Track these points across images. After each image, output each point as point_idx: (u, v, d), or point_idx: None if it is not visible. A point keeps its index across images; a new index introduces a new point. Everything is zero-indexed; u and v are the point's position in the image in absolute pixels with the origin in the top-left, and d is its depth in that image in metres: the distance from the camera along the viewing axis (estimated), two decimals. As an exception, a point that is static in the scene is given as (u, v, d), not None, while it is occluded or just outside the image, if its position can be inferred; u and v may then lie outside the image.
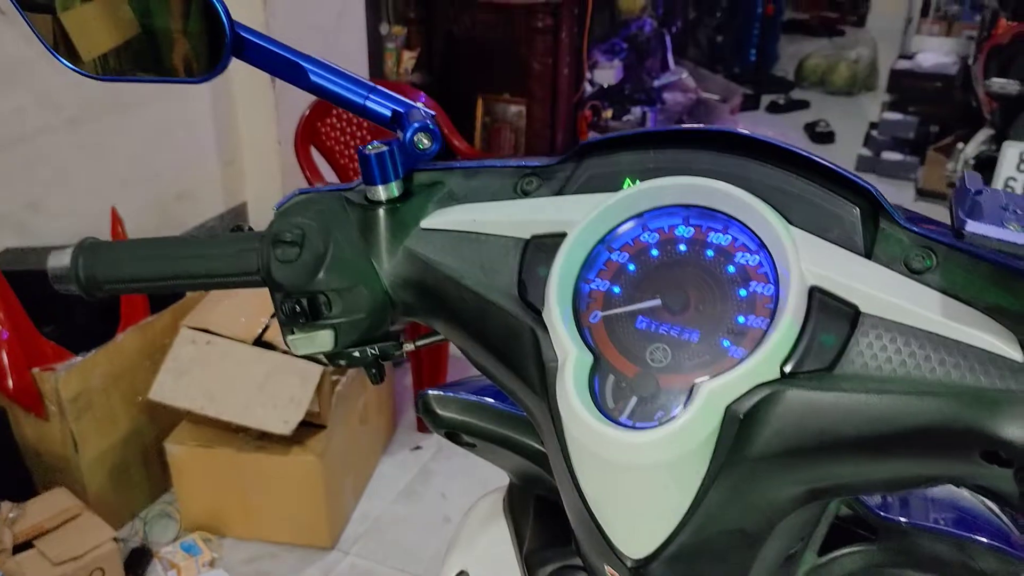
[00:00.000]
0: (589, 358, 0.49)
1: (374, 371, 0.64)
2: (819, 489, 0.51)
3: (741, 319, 0.48)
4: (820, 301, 0.47)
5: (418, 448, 2.59)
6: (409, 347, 0.65)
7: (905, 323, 0.45)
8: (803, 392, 0.45)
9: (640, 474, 0.48)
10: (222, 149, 2.93)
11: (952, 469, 0.47)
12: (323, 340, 0.59)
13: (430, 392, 0.74)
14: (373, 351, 0.63)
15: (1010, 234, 0.40)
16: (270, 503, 2.17)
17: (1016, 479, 0.44)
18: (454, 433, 0.75)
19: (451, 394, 0.74)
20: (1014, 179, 2.19)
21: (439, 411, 0.73)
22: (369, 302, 0.58)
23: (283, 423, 2.07)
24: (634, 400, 0.48)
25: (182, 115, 2.79)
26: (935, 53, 4.82)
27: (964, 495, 0.67)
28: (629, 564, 0.55)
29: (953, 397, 0.44)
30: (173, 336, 2.17)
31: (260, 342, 2.16)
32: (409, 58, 3.38)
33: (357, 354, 0.63)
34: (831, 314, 0.46)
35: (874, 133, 4.77)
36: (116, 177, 2.58)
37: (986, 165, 2.59)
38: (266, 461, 2.12)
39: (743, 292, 0.49)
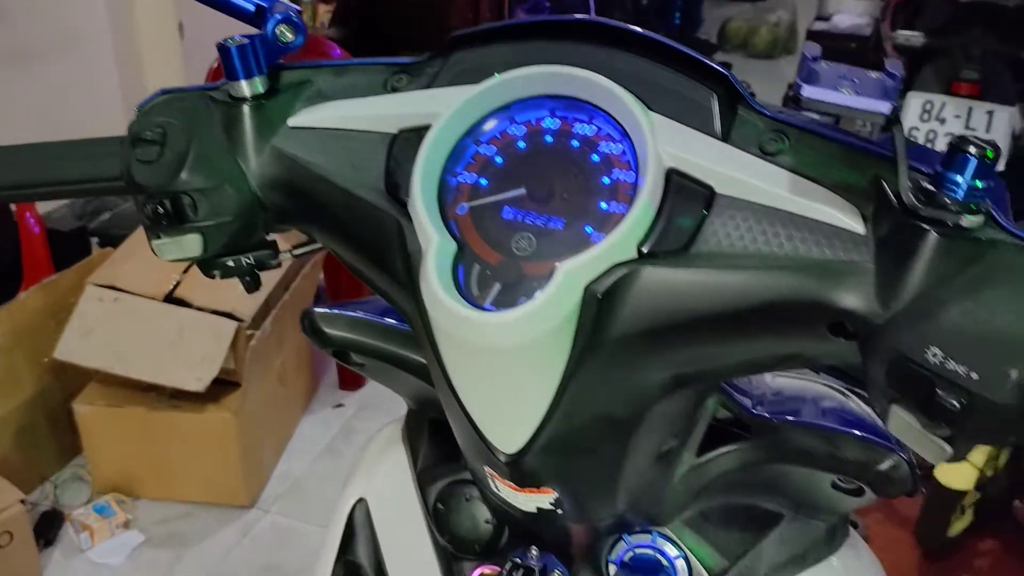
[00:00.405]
0: (452, 245, 0.49)
1: (248, 279, 0.62)
2: (683, 375, 0.52)
3: (604, 206, 0.48)
4: (677, 183, 0.47)
5: (340, 406, 2.57)
6: (286, 256, 0.64)
7: (757, 202, 0.46)
8: (659, 271, 0.46)
9: (503, 358, 0.48)
10: (128, 102, 2.83)
11: (804, 346, 0.48)
12: (191, 245, 0.58)
13: (316, 310, 0.73)
14: (248, 260, 0.62)
15: (843, 97, 0.41)
16: (185, 462, 2.13)
17: (861, 351, 0.45)
18: (343, 352, 0.75)
19: (338, 311, 0.73)
20: (917, 128, 2.25)
21: (325, 329, 0.73)
22: (236, 204, 0.57)
23: (196, 380, 2.03)
24: (497, 287, 0.48)
25: (85, 67, 2.69)
26: (850, 14, 4.91)
27: (835, 395, 0.69)
28: (503, 459, 0.55)
29: (801, 271, 0.45)
30: (79, 295, 2.10)
31: (171, 299, 2.11)
32: (325, 12, 3.31)
33: (231, 263, 0.61)
34: (687, 196, 0.47)
35: (792, 94, 4.86)
36: (16, 132, 2.46)
37: (897, 120, 2.66)
38: (179, 420, 2.07)
39: (606, 180, 0.49)
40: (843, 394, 0.68)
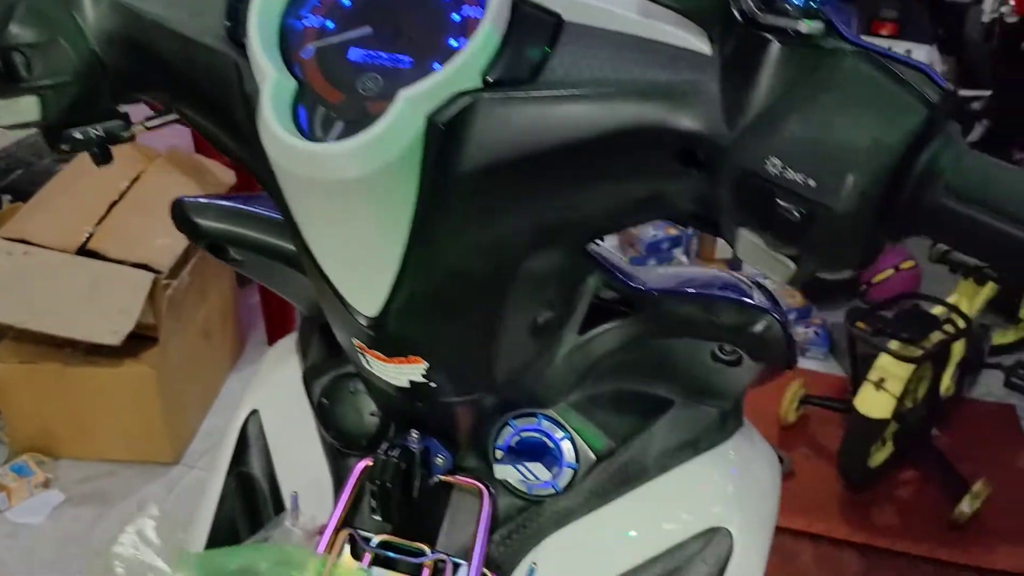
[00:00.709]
0: (290, 82, 0.47)
1: (96, 151, 0.59)
2: (541, 225, 0.51)
3: (453, 43, 0.47)
4: (523, 12, 0.46)
5: (269, 362, 2.52)
6: (139, 129, 0.60)
7: (605, 28, 0.45)
8: (505, 100, 0.45)
9: (348, 197, 0.46)
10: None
11: (659, 183, 0.47)
12: (27, 109, 0.54)
13: (186, 199, 0.70)
14: (96, 132, 0.59)
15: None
16: (105, 419, 2.07)
17: (711, 180, 0.44)
18: (219, 247, 0.72)
19: (209, 201, 0.70)
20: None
21: (196, 219, 0.70)
22: (74, 62, 0.54)
23: (112, 334, 1.97)
24: (340, 126, 0.46)
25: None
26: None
27: (722, 275, 0.69)
28: (364, 322, 0.54)
29: (647, 95, 0.44)
30: (-13, 249, 2.02)
31: (84, 251, 2.04)
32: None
33: (78, 135, 0.58)
34: (534, 24, 0.46)
35: None
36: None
37: None
38: (97, 375, 2.02)
39: (456, 17, 0.47)
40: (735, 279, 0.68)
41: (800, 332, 2.73)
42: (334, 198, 0.47)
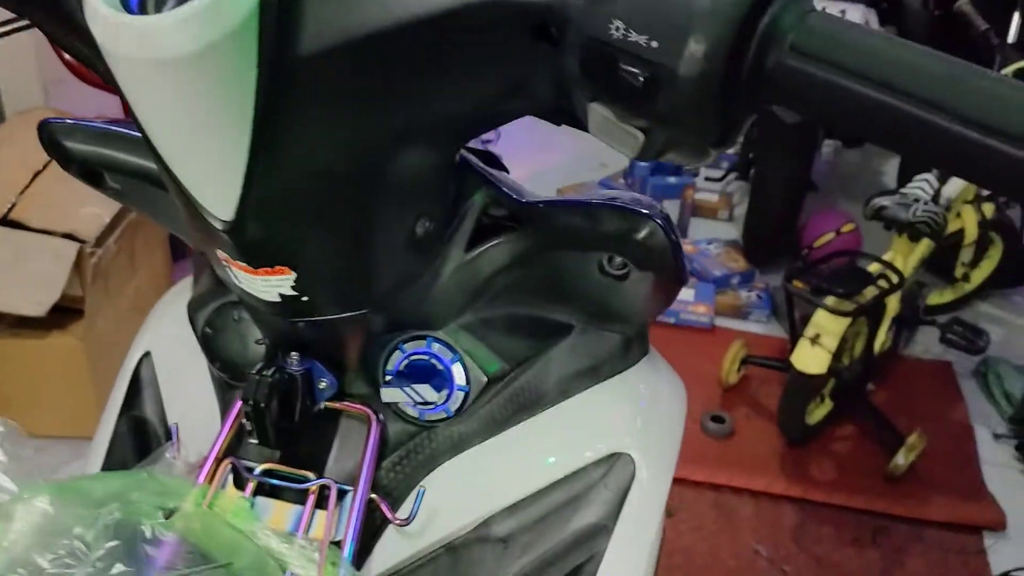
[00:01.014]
0: None
1: None
2: (399, 120, 0.49)
3: None
4: None
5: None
6: (-15, 34, 0.57)
7: None
8: None
9: (184, 81, 0.43)
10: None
11: (512, 65, 0.46)
12: None
13: (52, 120, 0.66)
14: None
15: None
16: (32, 394, 2.01)
17: (561, 53, 0.42)
18: (94, 173, 0.69)
19: (78, 122, 0.67)
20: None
21: (65, 141, 0.66)
22: None
23: (36, 305, 1.91)
24: (173, 2, 0.43)
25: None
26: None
27: (615, 191, 0.67)
28: (220, 227, 0.51)
29: None
30: (-99, 220, 1.94)
31: (6, 222, 1.97)
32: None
33: None
34: None
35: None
36: None
37: None
38: (23, 348, 1.96)
39: None
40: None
41: (743, 296, 2.75)
42: (169, 82, 0.44)
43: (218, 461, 0.64)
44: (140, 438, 0.76)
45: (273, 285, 0.55)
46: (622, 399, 0.70)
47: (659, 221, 0.58)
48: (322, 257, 0.54)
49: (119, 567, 0.48)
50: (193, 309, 0.71)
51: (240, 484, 0.64)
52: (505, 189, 0.63)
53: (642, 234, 0.59)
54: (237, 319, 0.67)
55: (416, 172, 0.54)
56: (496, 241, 0.63)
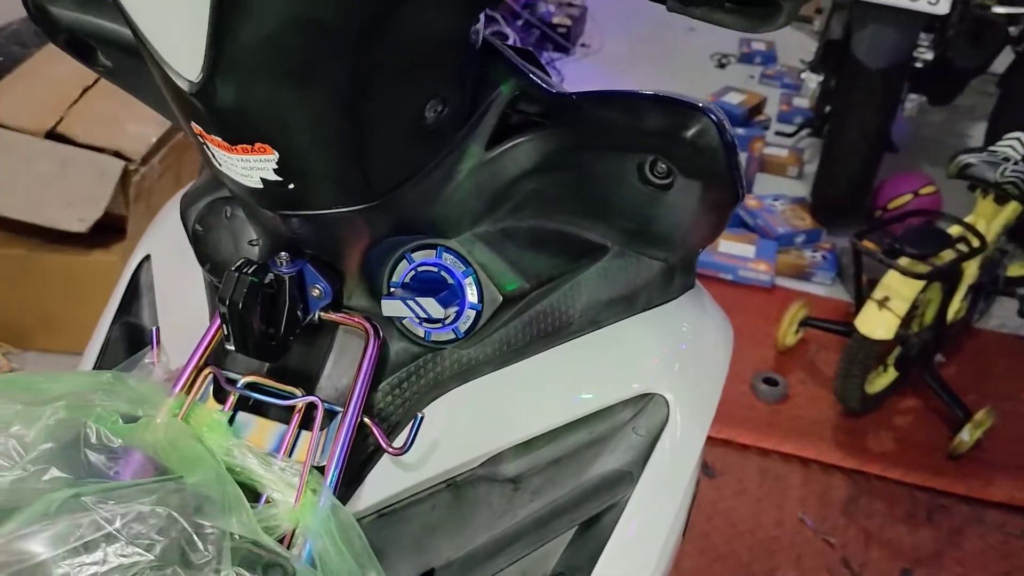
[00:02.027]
0: None
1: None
2: None
3: None
4: None
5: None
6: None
7: None
8: None
9: None
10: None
11: None
12: None
13: (34, -16, 0.59)
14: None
15: None
16: (72, 311, 2.00)
17: None
18: (84, 46, 0.62)
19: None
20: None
21: (50, 7, 0.59)
22: None
23: (78, 221, 1.88)
24: None
25: None
26: None
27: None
28: (188, 89, 0.44)
29: None
30: (-47, 128, 1.93)
31: (54, 135, 1.94)
32: None
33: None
34: None
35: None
36: None
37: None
38: (64, 264, 1.94)
39: None
40: None
41: (807, 256, 2.61)
42: None
43: (198, 370, 0.57)
44: (133, 345, 0.71)
45: (253, 167, 0.47)
46: (659, 334, 0.61)
47: (712, 117, 0.49)
48: (307, 135, 0.46)
49: (53, 472, 0.42)
50: (186, 204, 0.64)
51: (221, 398, 0.57)
52: (536, 79, 0.54)
53: (692, 131, 0.49)
54: (229, 216, 0.60)
55: (427, 40, 0.46)
56: (522, 138, 0.54)
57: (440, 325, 0.57)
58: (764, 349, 2.25)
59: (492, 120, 0.54)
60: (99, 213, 1.89)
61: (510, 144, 0.54)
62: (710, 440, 2.05)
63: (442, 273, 0.56)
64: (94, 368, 0.68)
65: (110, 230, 1.94)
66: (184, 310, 0.66)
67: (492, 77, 0.54)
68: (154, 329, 0.61)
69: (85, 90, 2.04)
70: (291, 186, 0.48)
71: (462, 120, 0.52)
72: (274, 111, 0.44)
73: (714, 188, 0.53)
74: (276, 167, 0.47)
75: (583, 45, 4.04)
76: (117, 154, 1.94)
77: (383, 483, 0.58)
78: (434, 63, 0.48)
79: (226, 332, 0.52)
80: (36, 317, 2.02)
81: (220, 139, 0.46)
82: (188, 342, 0.59)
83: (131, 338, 0.71)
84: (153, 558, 0.40)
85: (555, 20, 3.88)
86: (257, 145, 0.46)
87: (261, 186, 0.48)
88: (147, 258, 0.74)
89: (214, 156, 0.49)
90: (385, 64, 0.45)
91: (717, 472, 1.91)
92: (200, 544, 0.41)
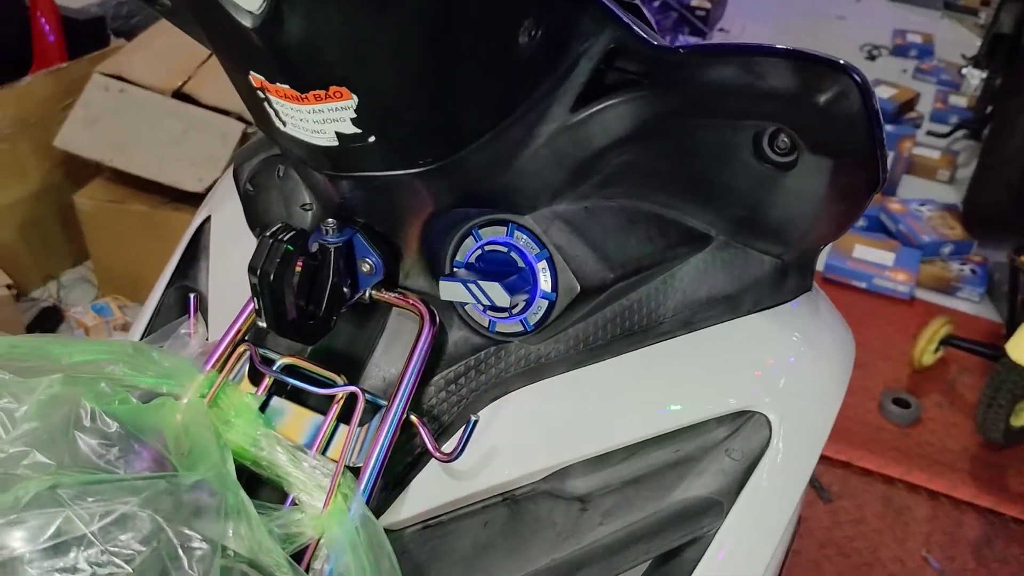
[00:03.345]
0: None
1: None
2: None
3: None
4: None
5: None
6: None
7: None
8: None
9: None
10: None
11: None
12: None
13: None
14: None
15: None
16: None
17: None
18: None
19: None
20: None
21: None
22: None
23: (198, 180, 1.90)
24: None
25: None
26: None
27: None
28: (251, 24, 0.37)
29: None
30: (88, 85, 1.98)
31: (180, 95, 1.97)
32: None
33: None
34: None
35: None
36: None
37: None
38: (182, 222, 1.94)
39: None
40: None
41: (954, 268, 2.39)
42: None
43: (233, 346, 0.51)
44: (186, 311, 0.66)
45: (328, 118, 0.40)
46: (765, 343, 0.51)
47: (856, 78, 0.38)
48: (393, 67, 0.38)
49: (34, 457, 0.36)
50: (240, 161, 0.58)
51: (256, 379, 0.51)
52: (636, 30, 0.44)
53: (827, 95, 0.39)
54: (282, 176, 0.54)
55: None
56: (615, 99, 0.45)
57: (507, 315, 0.48)
58: (897, 366, 2.06)
59: (581, 77, 0.45)
60: (218, 174, 1.90)
61: (600, 106, 0.45)
62: (828, 461, 1.88)
63: (512, 254, 0.48)
64: (144, 332, 0.63)
65: (227, 191, 1.96)
66: (235, 278, 0.60)
67: (583, 27, 0.45)
68: (191, 296, 0.56)
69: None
70: (371, 138, 0.41)
71: (555, 55, 0.43)
72: (353, 40, 0.37)
73: (849, 169, 0.42)
74: (355, 115, 0.40)
75: (721, 30, 3.85)
76: (239, 117, 1.94)
77: (431, 491, 0.50)
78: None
79: (257, 307, 0.45)
80: (153, 272, 2.04)
81: (288, 87, 0.39)
82: (235, 314, 0.53)
83: (184, 303, 0.66)
84: (130, 571, 0.34)
85: (694, 2, 3.71)
86: (332, 89, 0.39)
87: (336, 143, 0.41)
88: (208, 219, 0.69)
89: (277, 114, 0.42)
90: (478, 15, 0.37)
91: (834, 496, 1.75)
92: (185, 560, 0.34)
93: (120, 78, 1.97)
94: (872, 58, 3.84)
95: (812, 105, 0.39)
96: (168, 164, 1.93)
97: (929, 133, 3.10)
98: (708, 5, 3.73)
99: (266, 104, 0.42)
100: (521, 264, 0.47)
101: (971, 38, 3.87)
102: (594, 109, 0.45)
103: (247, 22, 0.37)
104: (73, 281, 2.15)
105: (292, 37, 0.37)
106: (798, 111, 0.40)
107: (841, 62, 0.38)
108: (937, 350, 2.04)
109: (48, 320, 2.00)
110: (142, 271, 2.07)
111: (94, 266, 2.11)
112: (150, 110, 1.95)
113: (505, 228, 0.48)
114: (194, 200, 1.94)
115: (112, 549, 0.34)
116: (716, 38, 3.77)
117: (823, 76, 0.38)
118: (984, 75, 2.67)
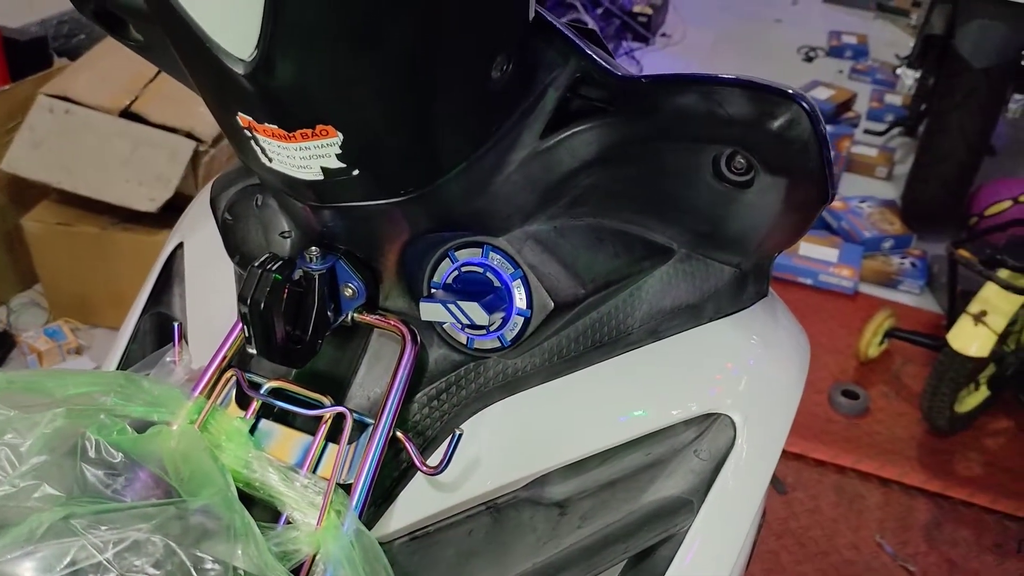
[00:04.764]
0: None
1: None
2: None
3: None
4: None
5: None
6: None
7: None
8: None
9: None
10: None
11: None
12: None
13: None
14: None
15: None
16: (139, 289, 2.01)
17: None
18: (114, 18, 0.57)
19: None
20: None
21: (76, -26, 0.55)
22: None
23: (149, 201, 1.89)
24: None
25: None
26: None
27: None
28: (242, 71, 0.39)
29: None
30: (32, 106, 1.95)
31: (128, 114, 1.95)
32: None
33: None
34: None
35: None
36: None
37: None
38: (133, 243, 1.94)
39: None
40: None
41: (895, 262, 2.47)
42: None
43: (220, 372, 0.52)
44: (163, 338, 0.67)
45: (315, 155, 0.42)
46: (727, 348, 0.54)
47: (804, 105, 0.42)
48: (375, 106, 0.41)
49: (45, 488, 0.37)
50: (217, 190, 0.59)
51: (244, 403, 0.52)
52: (600, 61, 0.47)
53: (779, 121, 0.42)
54: (260, 205, 0.55)
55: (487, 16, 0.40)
56: (582, 126, 0.48)
57: (484, 332, 0.51)
58: (844, 359, 2.13)
59: (549, 105, 0.48)
60: (170, 194, 1.89)
61: (568, 133, 0.48)
62: (783, 453, 1.95)
63: (488, 275, 0.50)
64: (120, 360, 0.64)
65: (178, 210, 1.94)
66: (214, 305, 0.62)
67: (549, 58, 0.48)
68: (175, 325, 0.57)
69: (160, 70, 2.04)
70: (355, 172, 0.43)
71: (524, 86, 0.46)
72: (339, 82, 0.39)
73: (801, 187, 0.45)
74: (340, 151, 0.42)
75: (664, 35, 3.93)
76: (189, 135, 1.93)
77: (417, 503, 0.52)
78: (499, 12, 0.42)
79: (247, 334, 0.47)
80: (105, 294, 2.04)
81: (276, 127, 0.41)
82: (216, 340, 0.54)
83: (161, 330, 0.67)
84: (146, 593, 0.35)
85: (636, 8, 3.78)
86: (319, 128, 0.41)
87: (321, 177, 0.43)
88: (180, 246, 0.70)
89: (264, 151, 0.44)
90: (452, 14, 0.39)
91: (789, 488, 1.81)
92: (198, 581, 0.36)
93: (66, 99, 1.94)
94: (809, 60, 3.95)
95: (766, 131, 0.42)
96: (117, 184, 1.91)
97: (866, 132, 3.20)
98: (650, 11, 3.80)
99: (252, 142, 0.44)
100: (496, 283, 0.50)
101: (904, 38, 4.01)
102: (562, 135, 0.48)
103: (239, 69, 0.39)
104: (23, 305, 2.11)
105: (282, 81, 0.39)
106: (754, 136, 0.43)
107: (790, 91, 0.41)
108: (882, 342, 2.11)
109: (0, 346, 1.96)
110: (93, 293, 2.05)
111: (44, 289, 2.08)
112: (97, 130, 1.93)
113: (480, 250, 0.50)
114: (144, 220, 1.92)
115: (127, 574, 0.35)
116: (659, 43, 3.84)
117: (776, 104, 0.42)
118: (917, 75, 2.76)
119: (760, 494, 0.54)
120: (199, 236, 0.67)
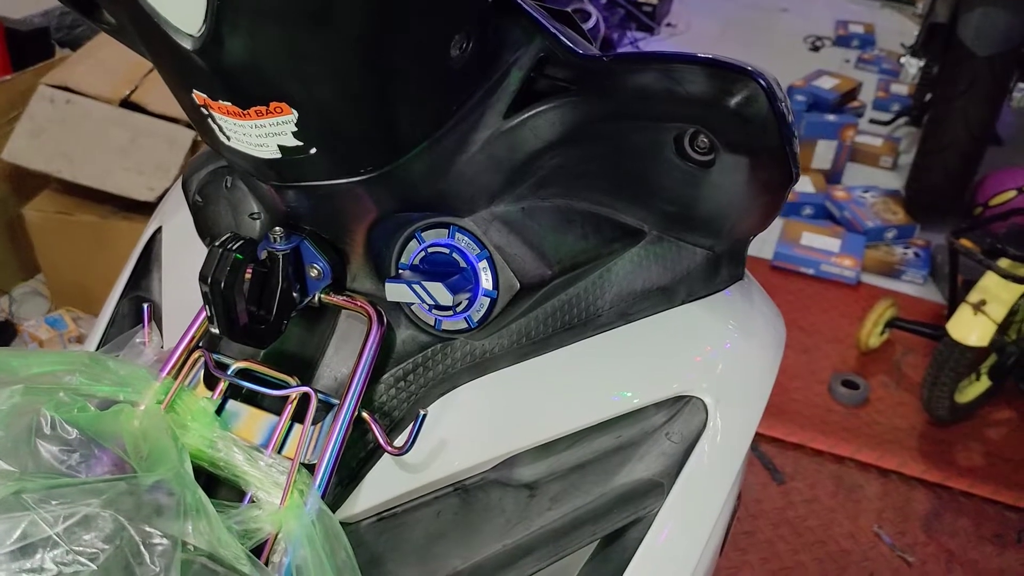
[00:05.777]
0: None
1: None
2: None
3: None
4: None
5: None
6: None
7: None
8: None
9: None
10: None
11: None
12: None
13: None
14: None
15: None
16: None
17: None
18: (86, 2, 0.57)
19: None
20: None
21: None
22: None
23: (148, 190, 1.89)
24: None
25: None
26: None
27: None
28: (191, 47, 0.39)
29: None
30: (33, 96, 1.96)
31: (128, 104, 1.96)
32: None
33: None
34: None
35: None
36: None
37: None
38: (133, 232, 1.95)
39: None
40: None
41: (897, 252, 2.46)
42: None
43: (187, 352, 0.52)
44: (141, 321, 0.67)
45: (270, 132, 0.42)
46: (700, 330, 0.54)
47: (761, 82, 0.41)
48: (330, 82, 0.40)
49: (-2, 464, 0.37)
50: (188, 173, 0.59)
51: (212, 384, 0.52)
52: (563, 40, 0.47)
53: (736, 98, 0.42)
54: (229, 187, 0.55)
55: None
56: (546, 106, 0.47)
57: (451, 313, 0.51)
58: (845, 349, 2.12)
59: (513, 85, 0.48)
60: (169, 183, 1.89)
61: (532, 112, 0.47)
62: (780, 443, 1.93)
63: (454, 255, 0.50)
64: (99, 344, 0.65)
65: (179, 200, 1.95)
66: (189, 287, 0.62)
67: (514, 37, 0.47)
68: (145, 306, 0.57)
69: (161, 60, 2.05)
70: (312, 150, 0.43)
71: (486, 66, 0.46)
72: (291, 59, 0.39)
73: (763, 166, 0.45)
74: (295, 130, 0.41)
75: (669, 25, 3.91)
76: (188, 124, 1.94)
77: (384, 484, 0.52)
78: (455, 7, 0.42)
79: (209, 313, 0.47)
80: (106, 282, 2.03)
81: (230, 104, 0.41)
82: (189, 322, 0.55)
83: (139, 313, 0.67)
84: (95, 568, 0.35)
85: (640, -2, 3.77)
86: (273, 105, 0.41)
87: (279, 155, 0.43)
88: (160, 230, 0.70)
89: (221, 129, 0.43)
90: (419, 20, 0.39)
91: (787, 477, 1.81)
92: (147, 555, 0.36)
93: (66, 89, 1.95)
94: (816, 49, 3.92)
95: (724, 108, 0.42)
96: (117, 174, 1.91)
97: (872, 121, 3.18)
98: (654, 1, 3.78)
99: (210, 120, 0.44)
100: (463, 264, 0.50)
101: (910, 27, 3.97)
102: (526, 115, 0.47)
103: (187, 44, 0.39)
104: (25, 295, 2.12)
105: (232, 57, 0.39)
106: (713, 114, 0.43)
107: (749, 68, 0.41)
108: (883, 332, 2.10)
109: (1, 335, 1.97)
110: (94, 282, 2.06)
111: (46, 279, 2.09)
112: (97, 120, 1.93)
113: (446, 230, 0.50)
114: (144, 209, 1.93)
115: (76, 549, 0.35)
116: (664, 33, 3.83)
117: (733, 81, 0.41)
118: (922, 64, 2.75)
119: (732, 477, 0.54)
120: (176, 220, 0.67)
